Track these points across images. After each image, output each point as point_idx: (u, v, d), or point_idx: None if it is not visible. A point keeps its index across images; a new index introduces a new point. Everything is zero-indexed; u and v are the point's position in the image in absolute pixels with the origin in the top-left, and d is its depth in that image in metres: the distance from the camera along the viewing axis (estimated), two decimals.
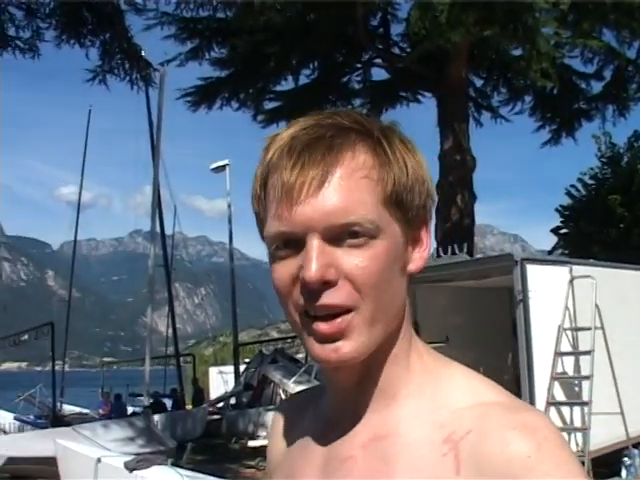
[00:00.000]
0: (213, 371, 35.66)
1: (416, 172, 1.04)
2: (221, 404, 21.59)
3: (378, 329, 1.00)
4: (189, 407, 23.63)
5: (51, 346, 18.06)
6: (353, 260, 0.97)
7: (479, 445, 0.93)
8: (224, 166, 30.71)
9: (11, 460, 11.34)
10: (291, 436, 1.18)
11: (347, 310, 0.98)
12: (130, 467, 6.55)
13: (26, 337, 19.55)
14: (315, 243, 0.97)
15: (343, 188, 0.98)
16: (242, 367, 25.95)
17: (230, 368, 29.56)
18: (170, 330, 30.71)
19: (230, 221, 30.06)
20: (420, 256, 1.07)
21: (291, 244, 0.99)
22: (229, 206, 30.61)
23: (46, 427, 19.46)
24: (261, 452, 16.78)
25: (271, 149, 1.03)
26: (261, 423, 17.73)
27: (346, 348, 0.98)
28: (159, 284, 24.93)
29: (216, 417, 20.43)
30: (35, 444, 11.60)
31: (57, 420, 19.53)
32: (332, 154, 0.99)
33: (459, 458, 0.94)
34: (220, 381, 30.45)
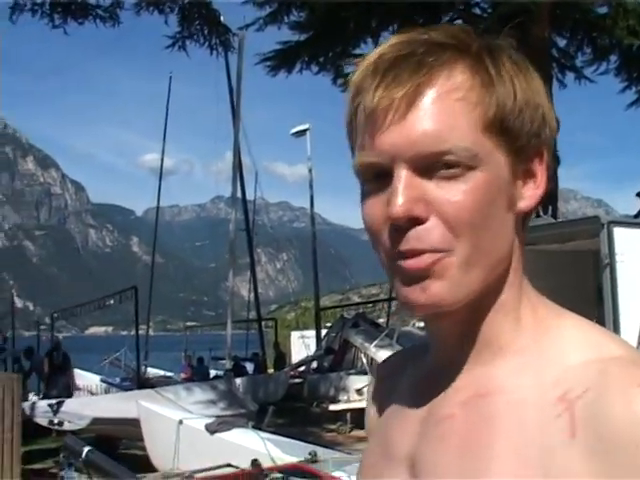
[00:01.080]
0: (294, 335, 35.91)
1: (527, 95, 0.91)
2: (302, 368, 21.73)
3: (476, 273, 0.89)
4: (270, 371, 23.85)
5: (135, 310, 18.35)
6: (446, 194, 0.86)
7: (598, 405, 0.81)
8: (305, 130, 30.63)
9: (96, 420, 11.62)
10: (388, 398, 1.08)
11: (439, 251, 0.87)
12: (211, 429, 6.62)
13: (111, 302, 19.94)
14: (402, 174, 0.86)
15: (435, 111, 0.87)
16: (324, 331, 26.07)
17: (311, 332, 29.73)
18: (252, 295, 30.99)
19: (311, 186, 30.05)
20: (533, 193, 0.93)
21: (380, 177, 0.89)
22: (310, 171, 30.59)
23: (131, 389, 19.89)
24: (342, 416, 16.90)
25: (357, 71, 0.92)
26: (342, 387, 17.81)
27: (435, 288, 0.86)
28: (241, 249, 25.13)
29: (297, 381, 20.56)
30: (119, 405, 11.85)
31: (141, 383, 19.93)
32: (422, 73, 0.88)
33: (575, 420, 0.82)
34: (301, 345, 30.63)
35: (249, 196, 30.30)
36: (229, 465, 5.23)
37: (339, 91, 20.24)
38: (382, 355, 17.33)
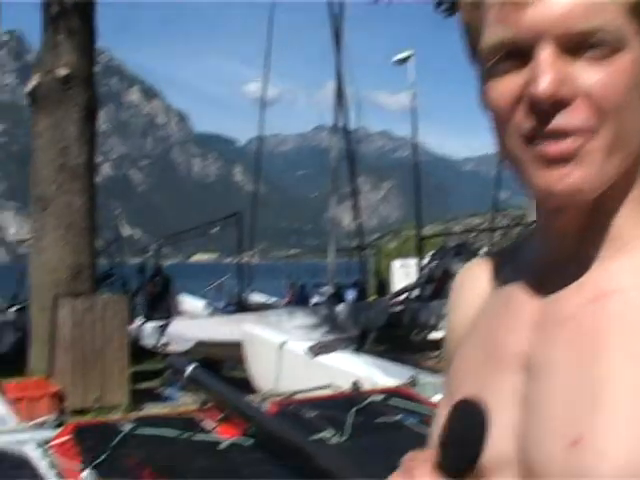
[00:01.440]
0: (396, 264, 35.91)
1: None
2: (403, 296, 21.76)
3: (616, 160, 0.84)
4: (372, 299, 23.97)
5: (238, 235, 18.59)
6: (593, 75, 0.81)
7: None
8: (408, 57, 30.12)
9: (200, 343, 11.91)
10: (484, 302, 1.01)
11: (582, 134, 0.82)
12: (313, 352, 6.70)
13: (216, 228, 20.20)
14: (548, 52, 0.80)
15: None
16: (425, 261, 26.01)
17: (413, 261, 29.67)
18: (354, 223, 31.09)
19: (414, 113, 29.65)
20: None
21: (515, 55, 0.83)
22: (413, 97, 30.17)
23: (233, 314, 20.30)
24: (441, 344, 16.91)
25: None
26: (443, 315, 17.80)
27: (576, 175, 0.82)
28: (343, 179, 25.11)
29: (398, 309, 20.62)
30: (223, 328, 12.12)
31: (244, 308, 20.29)
32: None
33: None
34: (402, 274, 30.64)
35: (351, 125, 30.13)
36: (329, 386, 5.30)
37: (442, 17, 19.86)
38: None
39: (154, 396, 10.90)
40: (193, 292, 25.13)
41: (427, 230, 32.83)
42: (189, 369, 4.65)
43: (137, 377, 10.98)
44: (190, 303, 24.08)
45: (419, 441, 3.15)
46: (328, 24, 25.54)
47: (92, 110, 10.95)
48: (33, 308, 10.98)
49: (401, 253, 51.34)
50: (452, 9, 20.65)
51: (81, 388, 9.68)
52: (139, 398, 10.06)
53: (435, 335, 17.05)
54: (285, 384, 5.11)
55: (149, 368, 13.21)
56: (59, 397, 8.96)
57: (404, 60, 30.33)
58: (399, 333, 19.03)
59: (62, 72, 10.60)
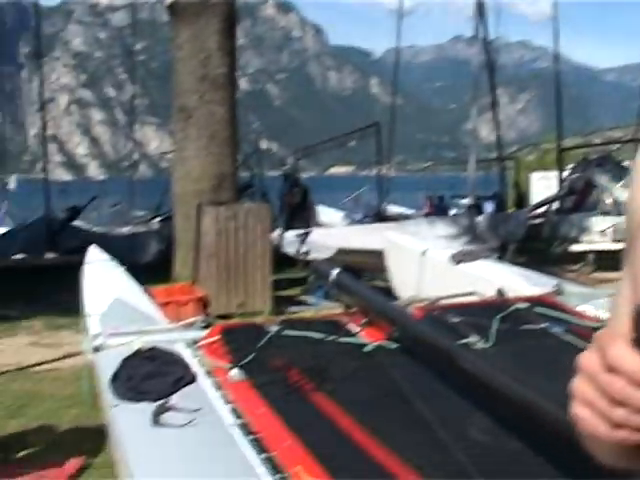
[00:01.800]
0: (535, 176, 35.18)
1: None
2: (543, 208, 21.33)
3: None
4: (511, 210, 23.61)
5: (377, 147, 18.47)
6: None
7: None
8: None
9: (341, 251, 12.03)
10: None
11: None
12: (456, 260, 6.64)
13: (354, 141, 20.09)
14: None
15: None
16: (565, 173, 25.36)
17: (553, 174, 28.98)
18: (493, 135, 30.46)
19: (556, 19, 28.56)
20: None
21: None
22: (555, 4, 29.07)
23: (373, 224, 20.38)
24: (582, 257, 16.54)
25: None
26: (584, 228, 17.37)
27: None
28: (482, 90, 24.55)
29: (537, 221, 20.24)
30: (364, 237, 12.20)
31: (382, 219, 20.33)
32: None
33: None
34: (541, 187, 30.03)
35: (490, 35, 29.27)
36: (474, 293, 5.26)
37: None
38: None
39: (295, 303, 11.11)
40: (331, 204, 25.30)
41: (568, 142, 31.77)
42: (334, 273, 4.70)
43: (278, 285, 11.19)
44: (328, 214, 24.29)
45: (566, 349, 3.07)
46: None
47: (232, 21, 10.99)
48: (177, 217, 11.28)
49: (540, 166, 50.20)
50: None
51: (225, 294, 9.94)
52: (281, 305, 10.27)
53: (577, 247, 16.72)
54: (427, 291, 5.10)
55: (290, 276, 13.46)
56: (204, 302, 9.23)
57: None
58: (538, 246, 18.72)
59: None
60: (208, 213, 10.02)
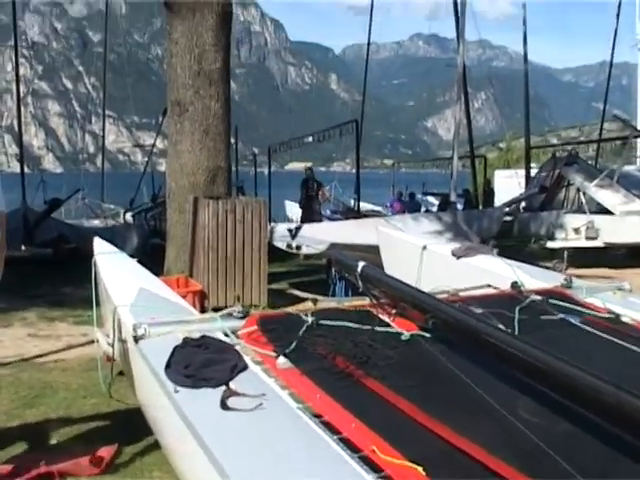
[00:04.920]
0: (499, 174, 35.64)
1: None
2: (513, 206, 21.66)
3: None
4: (479, 208, 23.91)
5: (356, 144, 18.61)
6: None
7: None
8: None
9: (334, 245, 12.17)
10: None
11: None
12: (457, 254, 6.81)
13: (329, 134, 20.16)
14: None
15: None
16: (533, 171, 25.76)
17: (520, 172, 29.37)
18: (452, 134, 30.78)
19: (525, 22, 29.01)
20: None
21: None
22: (524, 5, 29.50)
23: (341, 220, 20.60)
24: (557, 254, 16.85)
25: None
26: (558, 225, 17.68)
27: None
28: (439, 88, 24.84)
29: (508, 219, 20.56)
30: (356, 231, 12.35)
31: (354, 215, 20.53)
32: None
33: None
34: (506, 184, 30.45)
35: (448, 34, 29.62)
36: (489, 286, 5.42)
37: None
38: (602, 195, 17.02)
39: (286, 296, 11.26)
40: (293, 199, 25.45)
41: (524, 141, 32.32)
42: (360, 266, 4.83)
43: (270, 278, 11.32)
44: (294, 209, 24.45)
45: (586, 338, 3.27)
46: None
47: (227, 17, 11.07)
48: (170, 210, 11.35)
49: (501, 164, 50.77)
50: None
51: (222, 287, 10.04)
52: (274, 298, 10.40)
53: (553, 244, 17.02)
54: (429, 286, 5.24)
55: (281, 269, 13.60)
56: (202, 295, 9.33)
57: None
58: (508, 243, 19.00)
59: None
60: (207, 206, 10.10)
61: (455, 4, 20.37)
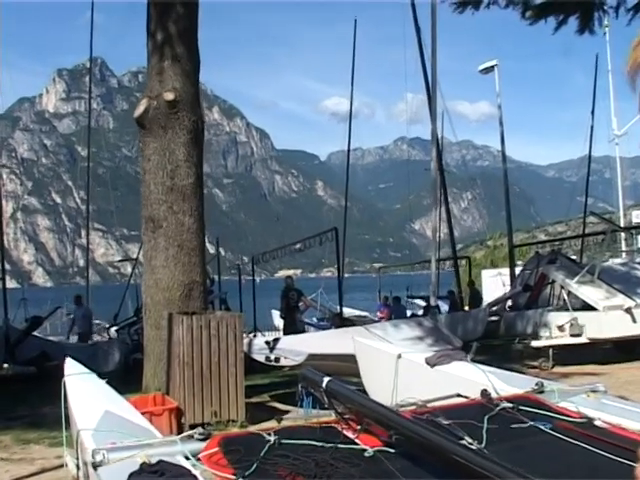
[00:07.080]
0: (486, 274, 35.71)
1: None
2: (499, 306, 21.64)
3: None
4: (466, 309, 23.88)
5: (336, 250, 18.73)
6: None
7: None
8: (492, 67, 30.16)
9: (312, 356, 12.06)
10: None
11: None
12: (432, 363, 6.77)
13: (309, 243, 20.37)
14: None
15: None
16: (517, 270, 25.83)
17: (505, 270, 29.48)
18: (439, 234, 31.04)
19: (501, 123, 29.59)
20: None
21: None
22: (499, 107, 30.16)
23: (328, 328, 20.54)
24: (543, 353, 16.78)
25: None
26: (543, 324, 17.62)
27: None
28: (424, 190, 25.22)
29: (493, 319, 20.52)
30: (334, 342, 12.25)
31: (341, 322, 20.46)
32: None
33: None
34: (494, 283, 30.51)
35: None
36: (459, 395, 5.36)
37: (526, 24, 19.48)
38: (584, 291, 17.03)
39: (266, 409, 11.10)
40: (278, 308, 25.48)
41: (513, 239, 32.57)
42: (325, 381, 4.77)
43: (248, 391, 11.17)
44: (278, 318, 24.42)
45: (556, 445, 3.22)
46: (411, 37, 25.73)
47: (198, 133, 11.25)
48: (147, 326, 11.29)
49: (488, 263, 51.08)
50: (537, 15, 20.45)
51: (198, 403, 9.90)
52: (252, 412, 10.25)
53: (538, 343, 16.93)
54: (404, 394, 5.18)
55: (257, 383, 13.44)
56: (178, 412, 9.21)
57: (489, 69, 30.36)
58: (497, 343, 18.94)
59: (169, 97, 10.92)
60: (181, 322, 10.02)
61: (430, 109, 20.76)
